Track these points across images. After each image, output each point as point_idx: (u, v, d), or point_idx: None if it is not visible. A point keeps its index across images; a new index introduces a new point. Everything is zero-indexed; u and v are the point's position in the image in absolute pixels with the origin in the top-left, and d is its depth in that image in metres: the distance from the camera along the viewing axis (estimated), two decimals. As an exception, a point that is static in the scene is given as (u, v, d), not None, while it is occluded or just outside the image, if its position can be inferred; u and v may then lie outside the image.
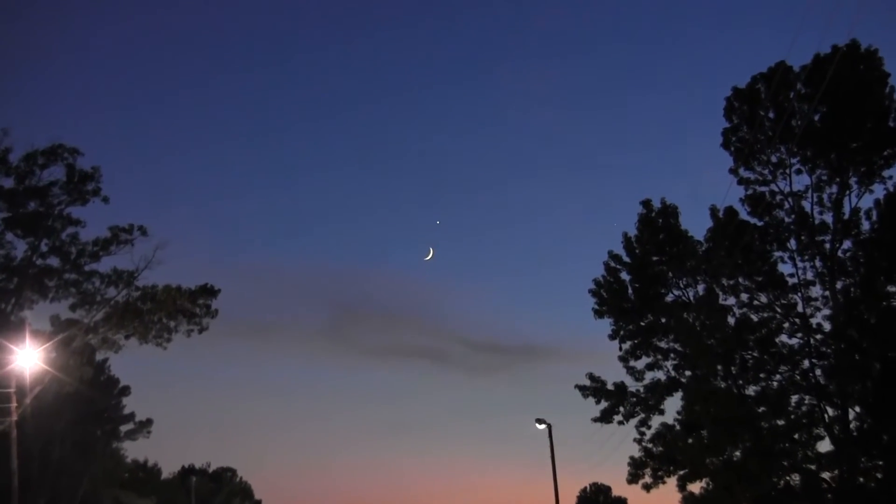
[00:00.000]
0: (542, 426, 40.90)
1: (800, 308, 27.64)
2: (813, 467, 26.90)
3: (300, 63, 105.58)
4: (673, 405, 30.08)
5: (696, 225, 35.83)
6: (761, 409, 27.40)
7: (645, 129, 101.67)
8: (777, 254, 28.08)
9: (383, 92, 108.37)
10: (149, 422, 51.12)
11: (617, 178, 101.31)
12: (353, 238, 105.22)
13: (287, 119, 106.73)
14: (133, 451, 61.56)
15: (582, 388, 31.05)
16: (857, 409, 26.17)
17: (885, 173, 26.26)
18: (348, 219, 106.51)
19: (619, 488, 75.12)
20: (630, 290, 31.08)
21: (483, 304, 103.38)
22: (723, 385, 28.43)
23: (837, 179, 26.72)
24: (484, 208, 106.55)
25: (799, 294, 27.68)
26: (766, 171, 27.84)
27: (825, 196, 27.07)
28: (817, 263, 27.30)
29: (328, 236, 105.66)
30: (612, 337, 31.31)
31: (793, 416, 26.89)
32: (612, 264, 31.47)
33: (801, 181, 27.35)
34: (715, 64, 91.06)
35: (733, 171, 28.15)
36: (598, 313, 31.54)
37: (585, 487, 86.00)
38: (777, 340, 27.73)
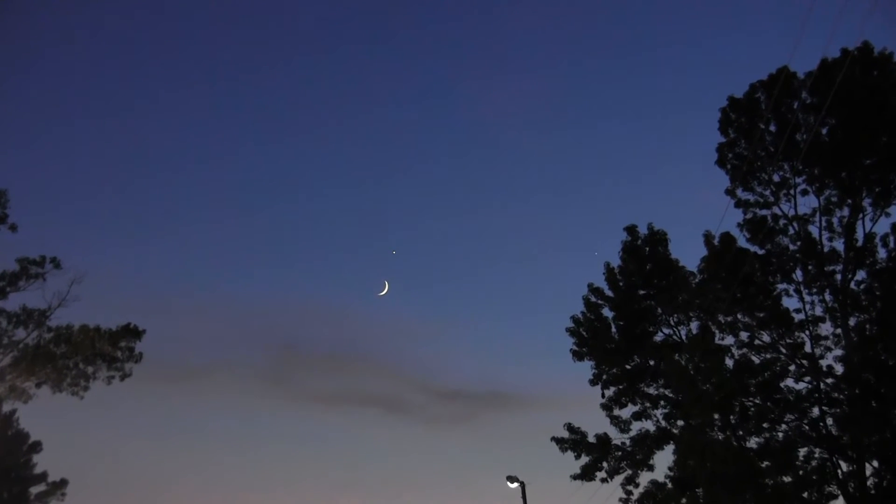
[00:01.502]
0: (515, 485, 39.58)
1: (808, 348, 26.73)
2: (825, 530, 25.80)
3: (245, 83, 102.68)
4: (664, 460, 29.53)
5: (688, 254, 34.74)
6: (765, 463, 26.36)
7: (629, 148, 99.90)
8: (781, 286, 27.09)
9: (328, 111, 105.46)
10: (63, 482, 48.82)
11: (598, 202, 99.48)
12: (296, 270, 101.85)
13: (226, 141, 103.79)
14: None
15: (559, 441, 30.33)
16: (875, 463, 25.23)
17: (903, 194, 25.31)
18: (289, 248, 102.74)
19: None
20: (613, 329, 30.60)
21: (444, 346, 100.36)
22: (720, 436, 27.45)
23: (849, 201, 25.87)
24: (446, 237, 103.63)
25: (806, 332, 26.78)
26: (767, 192, 27.13)
27: (835, 220, 26.28)
28: (827, 297, 26.45)
29: (267, 268, 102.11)
30: (593, 382, 30.84)
31: (801, 472, 25.82)
32: (593, 299, 30.98)
33: (807, 203, 26.54)
34: (708, 72, 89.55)
35: (730, 192, 27.48)
36: (577, 355, 31.01)
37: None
38: (782, 385, 26.66)
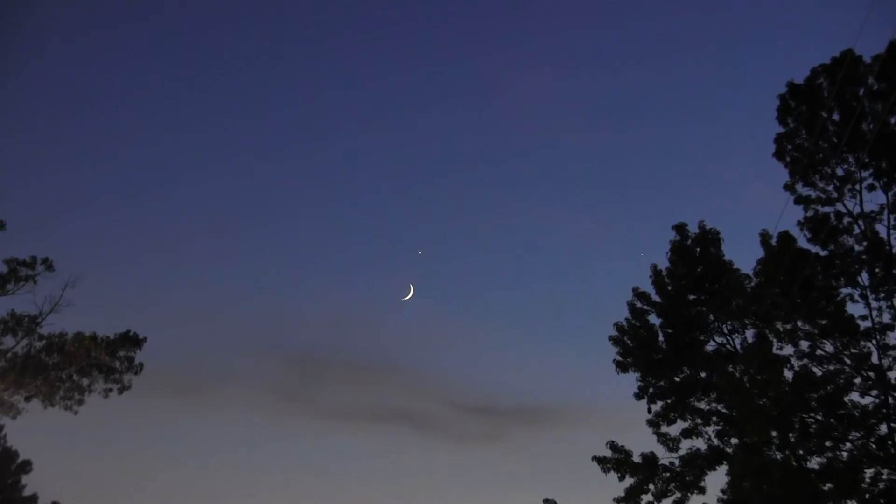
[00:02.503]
0: (550, 507, 38.83)
1: (874, 359, 26.52)
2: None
3: (259, 84, 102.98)
4: (716, 482, 29.71)
5: (743, 255, 34.57)
6: (827, 486, 26.19)
7: (675, 142, 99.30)
8: (845, 291, 26.89)
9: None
10: (54, 505, 48.95)
11: (643, 201, 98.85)
12: (312, 274, 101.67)
13: (242, 141, 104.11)
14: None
15: (601, 461, 30.20)
16: (949, 485, 25.06)
17: (982, 187, 25.34)
18: (305, 251, 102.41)
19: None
20: (661, 337, 30.60)
21: (473, 357, 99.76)
22: (778, 456, 27.28)
23: (921, 197, 25.68)
24: (475, 238, 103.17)
25: (873, 341, 26.54)
26: (829, 188, 26.94)
27: (905, 218, 25.94)
28: (896, 303, 26.05)
29: (281, 272, 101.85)
30: (638, 395, 30.74)
31: (867, 495, 25.63)
32: (639, 304, 31.00)
33: (873, 199, 26.28)
34: (764, 55, 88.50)
35: (789, 188, 27.22)
36: (621, 366, 30.92)
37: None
38: (846, 400, 26.61)
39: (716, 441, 29.66)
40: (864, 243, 26.50)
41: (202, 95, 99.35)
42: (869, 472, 25.77)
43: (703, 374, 29.88)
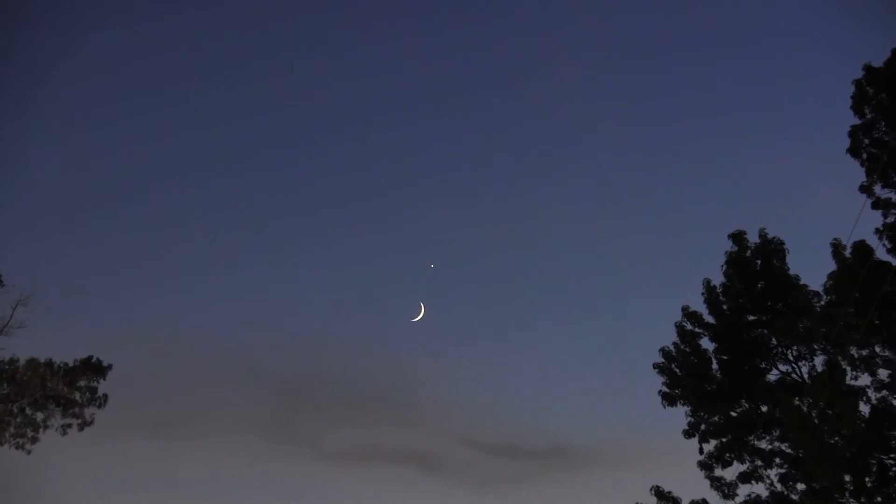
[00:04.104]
0: (588, 562, 39.21)
1: None
2: None
3: (253, 93, 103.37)
4: None
5: (811, 268, 34.34)
6: None
7: (729, 137, 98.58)
8: None
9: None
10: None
11: (694, 205, 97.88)
12: (306, 293, 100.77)
13: (234, 151, 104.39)
14: None
15: None
16: None
17: None
18: (295, 264, 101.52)
19: None
20: (715, 365, 30.57)
21: (495, 388, 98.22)
22: None
23: None
24: (498, 250, 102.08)
25: None
26: None
27: None
28: None
29: (271, 291, 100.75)
30: (688, 433, 30.68)
31: None
32: (689, 326, 31.07)
33: None
34: (833, 32, 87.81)
35: (865, 189, 27.08)
36: (668, 398, 30.90)
37: None
38: None
39: (779, 486, 29.45)
40: (956, 255, 26.61)
41: (174, 111, 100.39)
42: (959, 524, 25.90)
43: (764, 409, 29.83)
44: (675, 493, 30.23)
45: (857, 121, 27.27)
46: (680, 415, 30.84)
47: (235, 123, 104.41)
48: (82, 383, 35.63)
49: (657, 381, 31.27)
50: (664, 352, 31.20)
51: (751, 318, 30.20)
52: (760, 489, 29.64)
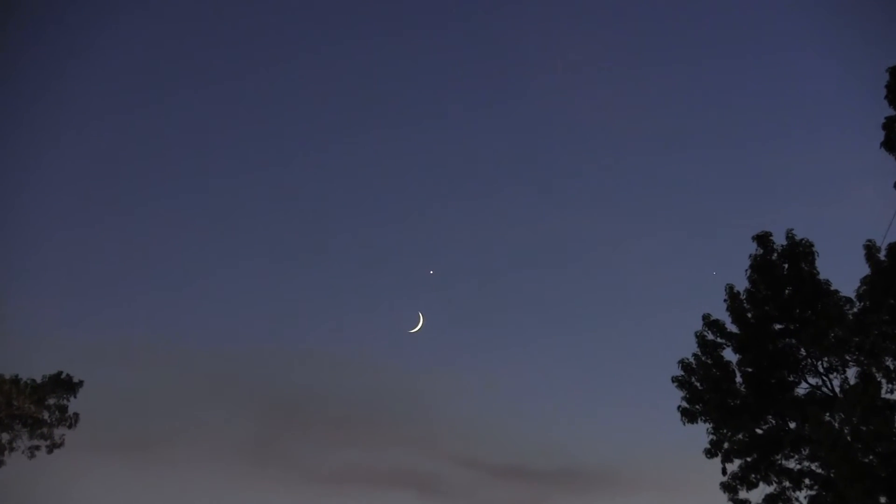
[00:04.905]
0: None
1: None
2: None
3: (242, 88, 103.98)
4: None
5: (842, 273, 34.21)
6: None
7: (756, 130, 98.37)
8: None
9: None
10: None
11: (716, 205, 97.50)
12: (296, 302, 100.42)
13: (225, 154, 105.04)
14: None
15: None
16: None
17: None
18: (288, 273, 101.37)
19: None
20: (739, 378, 30.55)
21: (499, 405, 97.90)
22: None
23: None
24: (500, 254, 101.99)
25: None
26: None
27: None
28: None
29: (258, 301, 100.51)
30: (710, 453, 30.73)
31: None
32: (710, 336, 31.06)
33: None
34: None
35: None
36: (689, 414, 30.92)
37: None
38: None
39: (810, 510, 29.55)
40: None
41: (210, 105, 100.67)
42: None
43: (792, 425, 29.86)
44: (697, 518, 30.39)
45: (892, 112, 27.23)
46: (701, 432, 30.91)
47: (220, 126, 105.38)
48: (51, 401, 35.64)
49: (676, 396, 31.34)
50: (684, 364, 31.21)
51: (778, 326, 30.17)
52: (790, 513, 29.85)
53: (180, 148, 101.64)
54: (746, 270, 30.57)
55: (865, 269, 27.34)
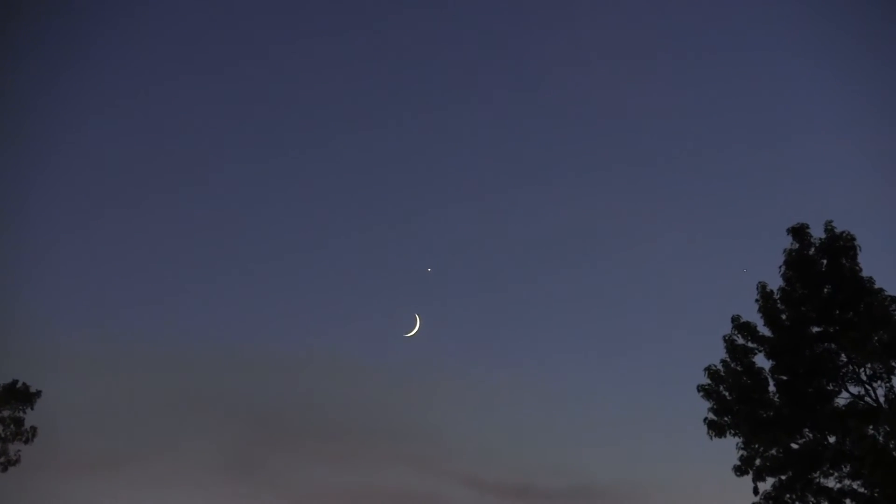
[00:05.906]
0: None
1: None
2: None
3: (245, 88, 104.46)
4: None
5: (887, 270, 34.12)
6: None
7: (790, 114, 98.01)
8: None
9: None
10: None
11: (746, 193, 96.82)
12: (276, 305, 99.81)
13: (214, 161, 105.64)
14: None
15: None
16: None
17: None
18: (272, 278, 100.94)
19: None
20: (772, 386, 30.43)
21: (508, 417, 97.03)
22: None
23: None
24: (504, 253, 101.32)
25: None
26: None
27: None
28: None
29: (241, 307, 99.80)
30: (740, 470, 30.59)
31: None
32: (741, 341, 30.91)
33: None
34: None
35: None
36: (716, 427, 30.81)
37: None
38: None
39: (850, 533, 29.58)
40: None
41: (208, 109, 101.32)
42: None
43: (831, 439, 29.72)
44: (726, 543, 30.35)
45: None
46: (730, 447, 30.85)
47: (220, 125, 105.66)
48: (6, 414, 35.51)
49: (702, 407, 31.25)
50: (711, 371, 31.10)
51: (815, 329, 30.12)
52: (827, 537, 29.89)
53: (156, 156, 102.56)
54: (780, 267, 30.54)
55: (913, 266, 27.51)
